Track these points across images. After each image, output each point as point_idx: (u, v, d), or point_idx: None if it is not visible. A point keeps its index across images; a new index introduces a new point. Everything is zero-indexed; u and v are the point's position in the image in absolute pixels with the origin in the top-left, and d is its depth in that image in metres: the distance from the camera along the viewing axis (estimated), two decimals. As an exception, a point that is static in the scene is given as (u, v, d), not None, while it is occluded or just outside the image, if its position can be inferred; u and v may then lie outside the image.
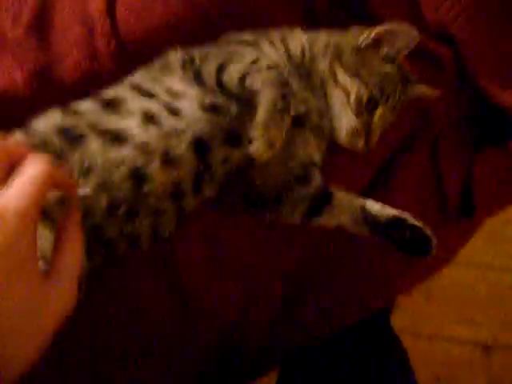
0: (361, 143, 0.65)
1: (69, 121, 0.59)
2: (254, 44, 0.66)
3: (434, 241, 0.63)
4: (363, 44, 0.66)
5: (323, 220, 0.66)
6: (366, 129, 0.65)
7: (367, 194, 0.76)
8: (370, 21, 0.73)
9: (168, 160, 0.58)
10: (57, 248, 0.45)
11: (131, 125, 0.58)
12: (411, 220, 0.64)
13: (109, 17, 0.66)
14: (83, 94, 0.62)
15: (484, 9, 0.71)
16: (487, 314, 1.31)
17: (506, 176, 0.82)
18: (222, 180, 0.63)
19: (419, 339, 1.29)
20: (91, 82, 0.64)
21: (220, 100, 0.61)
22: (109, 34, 0.66)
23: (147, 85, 0.61)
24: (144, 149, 0.57)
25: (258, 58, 0.62)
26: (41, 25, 0.67)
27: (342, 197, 0.66)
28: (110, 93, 0.61)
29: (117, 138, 0.57)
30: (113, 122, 0.58)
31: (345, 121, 0.65)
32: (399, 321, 1.24)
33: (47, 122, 0.59)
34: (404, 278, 0.83)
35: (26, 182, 0.41)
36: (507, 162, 0.81)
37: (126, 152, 0.57)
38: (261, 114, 0.57)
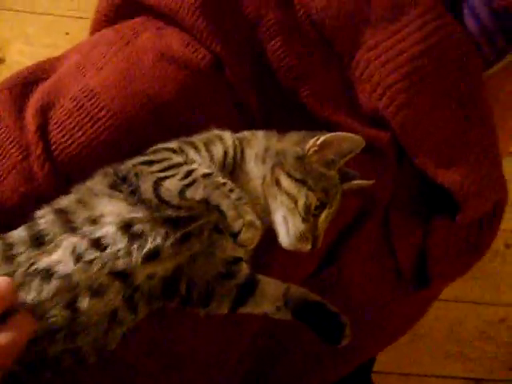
0: (308, 247, 0.66)
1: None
2: (181, 153, 0.66)
3: (348, 331, 0.65)
4: (310, 151, 0.66)
5: (248, 309, 0.68)
6: (313, 232, 0.66)
7: (316, 275, 0.78)
8: (301, 112, 0.73)
9: (94, 292, 0.60)
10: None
11: (55, 259, 0.59)
12: (329, 306, 0.66)
13: (42, 140, 0.68)
14: (23, 215, 0.64)
15: (416, 94, 0.70)
16: (477, 348, 1.30)
17: (457, 246, 0.81)
18: (156, 292, 0.64)
19: (408, 379, 1.29)
20: (30, 204, 0.65)
21: (142, 214, 0.61)
22: (42, 157, 0.67)
23: (72, 215, 0.62)
24: (69, 284, 0.59)
25: (193, 169, 0.63)
26: None
27: (266, 285, 0.68)
28: (40, 225, 0.63)
29: (47, 274, 0.59)
30: (42, 260, 0.60)
31: (291, 226, 0.65)
32: (385, 362, 1.24)
33: None
34: (360, 350, 0.84)
35: None
36: (457, 232, 0.81)
37: (53, 287, 0.59)
38: (227, 210, 0.58)
